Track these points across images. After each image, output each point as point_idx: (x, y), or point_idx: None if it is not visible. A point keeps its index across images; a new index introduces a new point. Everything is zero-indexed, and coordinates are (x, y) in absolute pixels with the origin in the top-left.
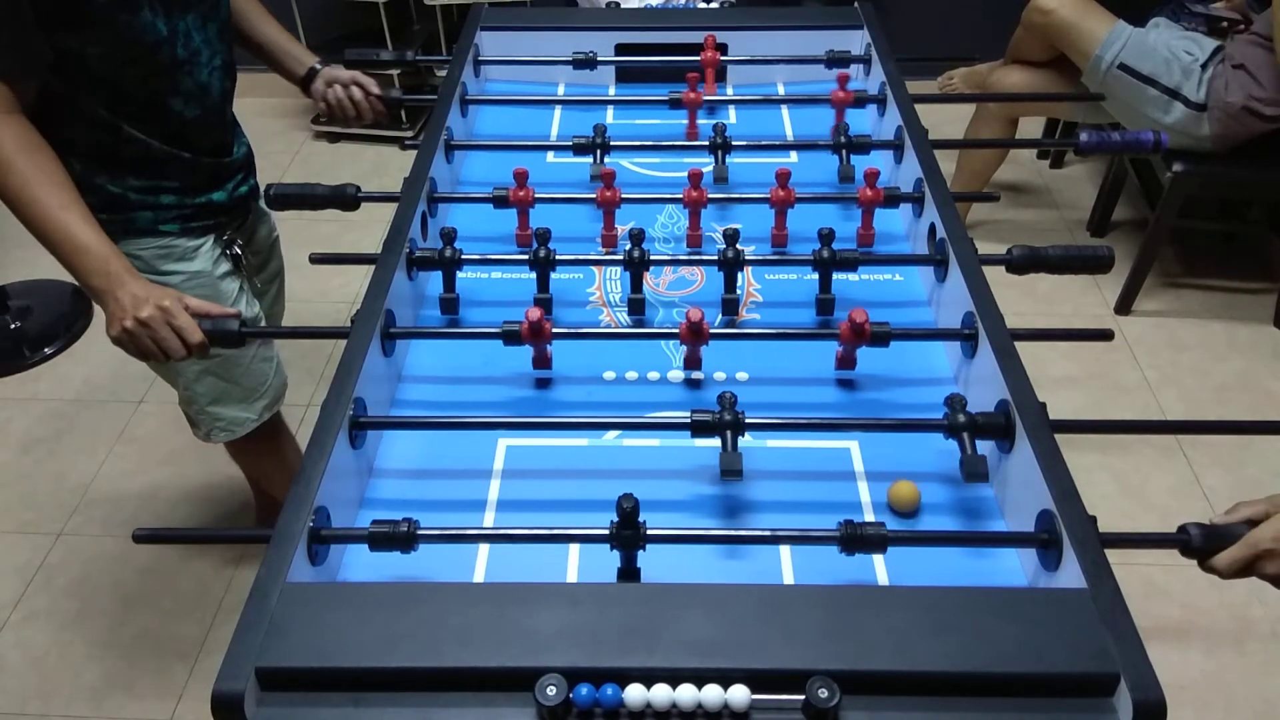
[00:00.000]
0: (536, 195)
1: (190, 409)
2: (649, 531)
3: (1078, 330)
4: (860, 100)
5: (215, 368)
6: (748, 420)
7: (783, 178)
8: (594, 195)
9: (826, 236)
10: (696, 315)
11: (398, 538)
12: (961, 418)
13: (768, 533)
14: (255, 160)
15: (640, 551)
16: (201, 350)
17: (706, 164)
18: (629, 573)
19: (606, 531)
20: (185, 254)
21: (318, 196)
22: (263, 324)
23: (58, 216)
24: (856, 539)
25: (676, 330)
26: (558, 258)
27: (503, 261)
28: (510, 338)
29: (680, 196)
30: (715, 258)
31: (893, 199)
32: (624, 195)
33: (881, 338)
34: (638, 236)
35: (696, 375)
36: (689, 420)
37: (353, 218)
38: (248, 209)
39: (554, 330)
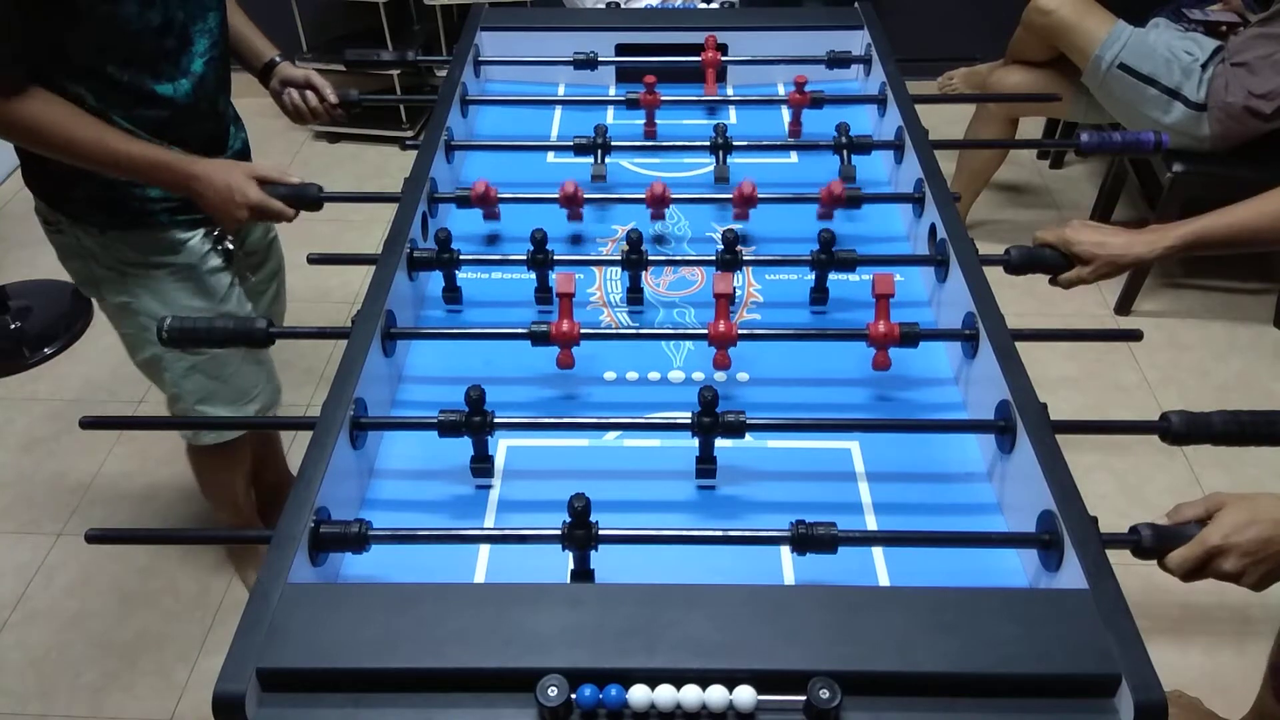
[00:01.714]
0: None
1: (175, 408)
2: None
3: (1106, 330)
4: (817, 101)
5: (203, 365)
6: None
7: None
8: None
9: (827, 241)
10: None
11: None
12: None
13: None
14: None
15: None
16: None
17: (707, 164)
18: (582, 574)
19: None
20: (173, 246)
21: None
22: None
23: (117, 145)
24: (808, 539)
25: (686, 331)
26: (556, 258)
27: (502, 262)
28: (538, 338)
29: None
30: (714, 258)
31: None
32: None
33: (911, 338)
34: (635, 238)
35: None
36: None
37: (353, 218)
38: None
39: (580, 331)
